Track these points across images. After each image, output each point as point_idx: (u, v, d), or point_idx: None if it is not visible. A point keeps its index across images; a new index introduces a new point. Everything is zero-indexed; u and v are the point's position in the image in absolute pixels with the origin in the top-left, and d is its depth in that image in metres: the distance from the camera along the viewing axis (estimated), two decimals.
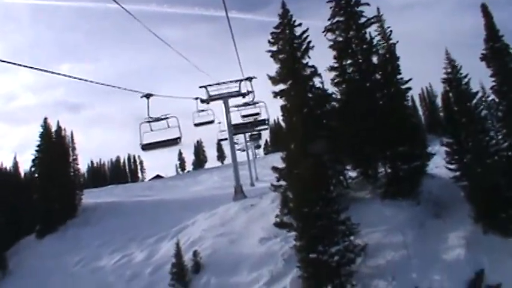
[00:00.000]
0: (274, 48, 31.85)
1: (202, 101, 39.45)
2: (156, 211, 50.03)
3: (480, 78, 29.73)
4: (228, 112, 39.78)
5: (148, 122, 25.49)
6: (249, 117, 42.96)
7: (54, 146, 59.00)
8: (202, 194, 63.12)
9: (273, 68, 31.81)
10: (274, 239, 28.98)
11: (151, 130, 25.82)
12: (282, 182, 30.65)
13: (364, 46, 30.85)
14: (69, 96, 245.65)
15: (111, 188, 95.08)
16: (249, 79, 39.00)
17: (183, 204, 50.70)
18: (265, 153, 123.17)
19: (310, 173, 22.68)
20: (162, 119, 25.52)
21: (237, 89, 39.68)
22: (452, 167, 28.43)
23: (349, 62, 31.40)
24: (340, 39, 31.46)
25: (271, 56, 31.86)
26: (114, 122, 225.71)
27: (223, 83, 39.73)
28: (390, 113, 28.79)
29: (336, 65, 31.62)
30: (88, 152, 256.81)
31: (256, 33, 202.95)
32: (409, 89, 31.51)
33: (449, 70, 28.90)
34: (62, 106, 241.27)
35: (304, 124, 25.07)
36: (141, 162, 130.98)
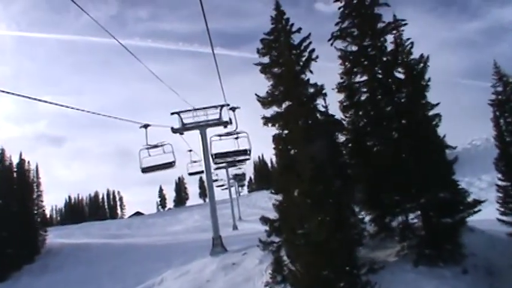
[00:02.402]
0: (266, 59, 22.87)
1: (174, 130, 30.00)
2: (123, 258, 41.09)
3: None
4: (205, 143, 30.33)
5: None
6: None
7: (12, 180, 49.49)
8: (179, 237, 54.00)
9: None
10: None
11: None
12: (274, 237, 21.39)
13: (385, 58, 21.92)
14: (51, 129, 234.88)
15: (88, 226, 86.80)
16: (233, 109, 29.96)
17: (155, 251, 41.74)
18: (249, 191, 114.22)
19: (326, 235, 13.45)
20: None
21: (216, 116, 30.39)
22: (507, 218, 19.66)
23: (363, 79, 22.45)
24: (354, 48, 22.51)
25: (262, 71, 22.85)
26: (96, 156, 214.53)
27: (201, 109, 30.46)
28: (423, 147, 19.74)
29: (344, 82, 22.70)
30: (69, 186, 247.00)
31: (240, 70, 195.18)
32: (438, 116, 22.44)
33: (499, 89, 20.29)
34: (44, 139, 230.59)
35: (311, 160, 15.78)
36: (120, 199, 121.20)
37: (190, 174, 50.24)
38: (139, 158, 27.89)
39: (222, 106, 30.07)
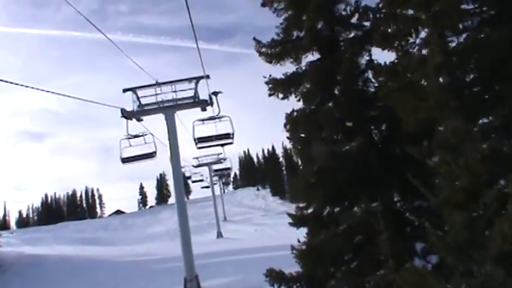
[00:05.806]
0: None
1: (126, 114, 18.48)
2: (78, 283, 30.23)
3: None
4: (172, 132, 18.93)
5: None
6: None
7: None
8: (152, 249, 43.77)
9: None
10: None
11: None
12: None
13: None
14: (34, 125, 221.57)
15: (62, 227, 76.78)
16: (215, 93, 18.95)
17: (117, 273, 31.05)
18: (234, 188, 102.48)
19: None
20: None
21: (190, 94, 19.13)
22: None
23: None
24: None
25: (264, 3, 12.01)
26: (77, 153, 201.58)
27: (167, 82, 19.11)
28: None
29: None
30: (49, 184, 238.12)
31: (222, 64, 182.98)
32: None
33: None
34: (25, 135, 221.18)
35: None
36: (99, 196, 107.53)
37: (125, 160, 21.31)
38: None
39: (198, 79, 18.92)
